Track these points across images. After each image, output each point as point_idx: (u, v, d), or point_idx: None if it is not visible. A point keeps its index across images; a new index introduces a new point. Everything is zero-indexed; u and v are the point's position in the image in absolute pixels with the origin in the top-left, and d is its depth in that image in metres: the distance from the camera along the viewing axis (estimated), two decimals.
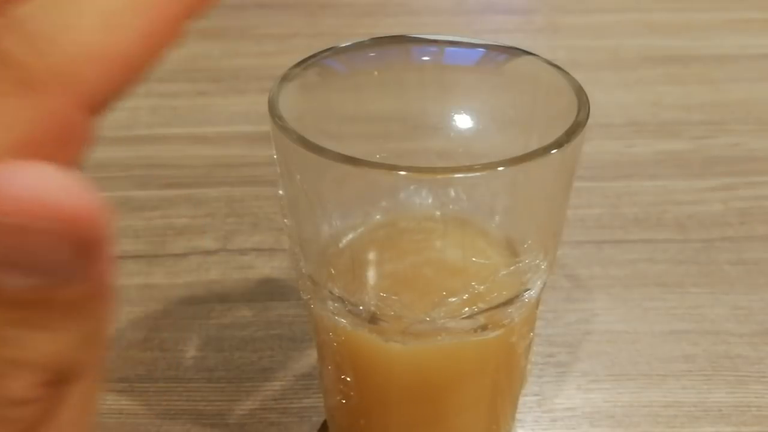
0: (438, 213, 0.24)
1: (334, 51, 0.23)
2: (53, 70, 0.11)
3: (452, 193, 0.24)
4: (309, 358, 0.34)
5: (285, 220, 0.23)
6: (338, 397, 0.26)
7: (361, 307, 0.22)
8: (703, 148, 0.48)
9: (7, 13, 0.11)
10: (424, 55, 0.25)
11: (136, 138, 0.46)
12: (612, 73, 0.56)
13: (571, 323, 0.36)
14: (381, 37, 0.24)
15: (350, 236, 0.24)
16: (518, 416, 0.31)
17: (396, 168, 0.19)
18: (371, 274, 0.24)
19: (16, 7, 0.11)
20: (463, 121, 0.25)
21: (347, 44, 0.24)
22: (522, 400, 0.32)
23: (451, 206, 0.24)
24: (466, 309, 0.22)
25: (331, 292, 0.23)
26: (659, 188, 0.45)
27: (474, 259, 0.24)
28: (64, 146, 0.11)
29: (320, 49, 0.23)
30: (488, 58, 0.25)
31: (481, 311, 0.22)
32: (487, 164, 0.19)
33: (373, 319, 0.22)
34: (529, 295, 0.23)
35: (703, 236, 0.41)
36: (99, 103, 0.12)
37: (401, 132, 0.26)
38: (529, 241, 0.23)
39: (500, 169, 0.19)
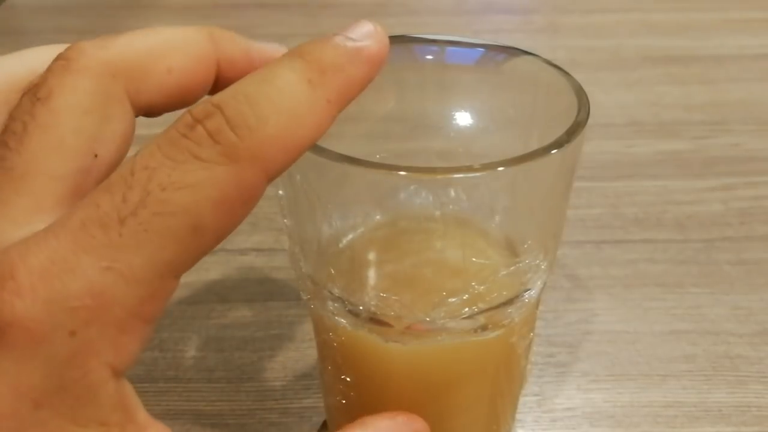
0: (438, 213, 0.24)
1: None
2: (251, 151, 0.15)
3: (452, 193, 0.24)
4: (309, 358, 0.34)
5: (285, 221, 0.23)
6: (338, 397, 0.26)
7: (361, 308, 0.22)
8: (703, 148, 0.48)
9: (222, 100, 0.15)
10: (424, 55, 0.25)
11: (136, 138, 0.46)
12: (612, 73, 0.56)
13: (571, 323, 0.36)
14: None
15: (350, 236, 0.24)
16: (518, 416, 0.31)
17: (396, 168, 0.19)
18: (371, 275, 0.24)
19: (232, 101, 0.15)
20: (463, 120, 0.25)
21: None
22: (522, 400, 0.32)
23: (451, 206, 0.24)
24: (466, 309, 0.22)
25: (331, 293, 0.23)
26: (659, 188, 0.45)
27: (474, 259, 0.24)
28: (244, 205, 0.16)
29: None
30: (488, 58, 0.25)
31: (481, 311, 0.22)
32: (487, 164, 0.19)
33: (373, 320, 0.22)
34: (529, 295, 0.23)
35: (703, 236, 0.41)
36: (275, 175, 0.16)
37: (401, 132, 0.26)
38: (529, 241, 0.23)
39: (500, 169, 0.19)
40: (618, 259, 0.39)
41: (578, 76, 0.23)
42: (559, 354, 0.34)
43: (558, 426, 0.31)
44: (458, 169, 0.19)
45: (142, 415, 0.17)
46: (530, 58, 0.24)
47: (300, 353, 0.34)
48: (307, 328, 0.35)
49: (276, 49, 0.20)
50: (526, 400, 0.32)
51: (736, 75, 0.56)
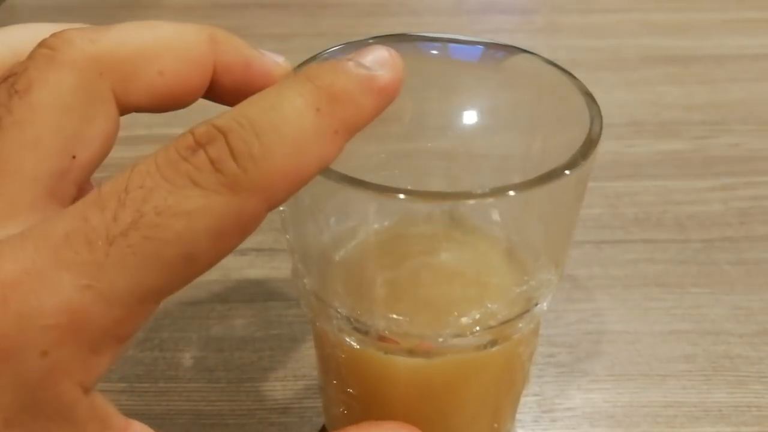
0: (448, 231, 0.23)
1: (336, 51, 0.23)
2: (253, 183, 0.14)
3: (463, 212, 0.23)
4: (309, 358, 0.34)
5: (287, 236, 0.23)
6: (342, 408, 0.26)
7: (369, 327, 0.22)
8: (703, 148, 0.48)
9: (225, 125, 0.15)
10: (425, 54, 0.24)
11: (136, 138, 0.46)
12: (612, 73, 0.56)
13: (571, 323, 0.36)
14: (384, 36, 0.23)
15: (356, 253, 0.24)
16: (518, 416, 0.31)
17: (402, 192, 0.18)
18: (380, 294, 0.23)
19: (234, 134, 0.14)
20: (464, 120, 0.25)
21: (349, 43, 0.23)
22: (522, 400, 0.31)
23: (462, 225, 0.23)
24: (477, 328, 0.22)
25: (337, 311, 0.22)
26: (659, 188, 0.45)
27: (486, 278, 0.24)
28: (241, 235, 0.15)
29: (322, 49, 0.23)
30: (490, 56, 0.24)
31: (492, 327, 0.22)
32: (498, 189, 0.18)
33: (381, 338, 0.22)
34: (540, 308, 0.23)
35: (703, 236, 0.41)
36: (275, 206, 0.15)
37: (402, 131, 0.25)
38: (542, 258, 0.23)
39: (511, 193, 0.18)
40: (618, 259, 0.39)
41: (578, 76, 0.23)
42: (559, 354, 0.34)
43: (558, 426, 0.31)
44: (468, 195, 0.18)
45: (117, 420, 0.16)
46: (536, 59, 0.23)
47: (300, 353, 0.34)
48: (307, 328, 0.35)
49: (278, 64, 0.19)
50: (526, 400, 0.32)
51: (736, 75, 0.56)
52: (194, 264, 0.15)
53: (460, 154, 0.24)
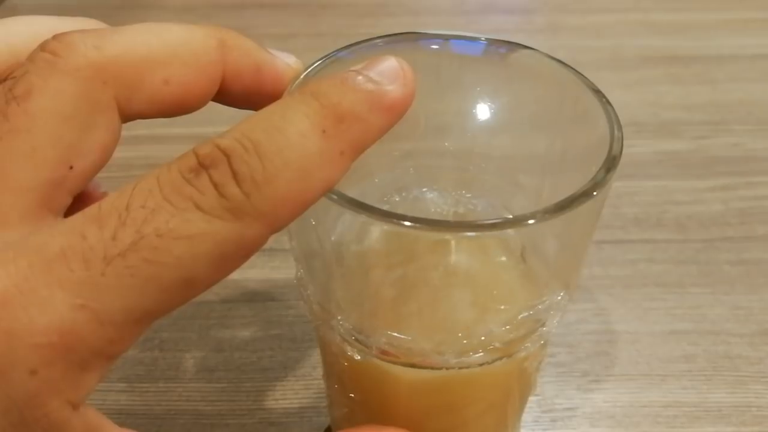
0: (456, 252, 0.23)
1: (346, 53, 0.22)
2: (256, 209, 0.14)
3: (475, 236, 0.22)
4: (309, 359, 0.34)
5: (292, 242, 0.22)
6: (345, 410, 0.26)
7: (370, 342, 0.22)
8: (703, 148, 0.48)
9: (229, 146, 0.14)
10: (435, 51, 0.23)
11: (136, 138, 0.46)
12: (612, 73, 0.56)
13: (571, 323, 0.36)
14: (394, 34, 0.23)
15: (360, 270, 0.23)
16: None
17: (408, 219, 0.17)
18: (382, 312, 0.23)
19: (238, 158, 0.14)
20: (480, 119, 0.24)
21: (357, 43, 0.22)
22: None
23: (472, 243, 0.23)
24: (480, 350, 0.21)
25: (339, 323, 0.22)
26: (659, 188, 0.45)
27: (493, 301, 0.23)
28: (243, 259, 0.15)
29: (323, 49, 0.23)
30: (504, 55, 0.23)
31: (496, 349, 0.21)
32: (516, 219, 0.17)
33: (383, 352, 0.22)
34: (547, 330, 0.22)
35: (703, 236, 0.41)
36: (278, 230, 0.15)
37: (413, 130, 0.25)
38: (554, 281, 0.22)
39: (530, 222, 0.17)
40: (618, 259, 0.39)
41: None
42: (559, 354, 0.34)
43: (558, 426, 0.31)
44: (489, 226, 0.17)
45: (111, 430, 0.16)
46: (549, 59, 0.22)
47: (300, 353, 0.34)
48: (307, 328, 0.35)
49: (289, 66, 0.19)
50: None
51: (736, 75, 0.56)
52: (193, 287, 0.14)
53: (474, 154, 0.24)
